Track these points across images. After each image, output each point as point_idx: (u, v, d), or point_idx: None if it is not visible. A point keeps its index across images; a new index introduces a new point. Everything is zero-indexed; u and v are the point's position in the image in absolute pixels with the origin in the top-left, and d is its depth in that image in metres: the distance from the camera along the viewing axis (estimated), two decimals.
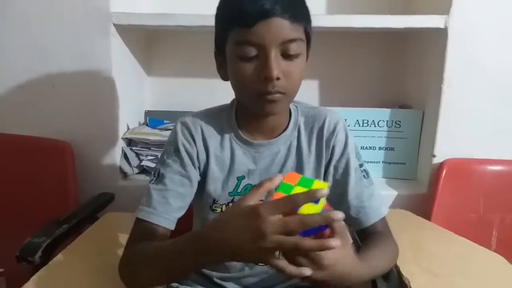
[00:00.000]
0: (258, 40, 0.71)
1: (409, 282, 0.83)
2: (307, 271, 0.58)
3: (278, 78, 0.73)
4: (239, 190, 0.87)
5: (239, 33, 0.73)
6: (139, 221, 0.80)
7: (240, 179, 0.87)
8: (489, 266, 0.94)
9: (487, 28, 1.30)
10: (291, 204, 0.57)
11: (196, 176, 0.85)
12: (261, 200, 0.61)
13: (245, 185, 0.87)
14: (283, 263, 0.58)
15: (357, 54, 1.68)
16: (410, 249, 0.96)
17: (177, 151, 0.84)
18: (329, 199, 0.89)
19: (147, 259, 0.73)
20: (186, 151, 0.84)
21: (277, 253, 0.58)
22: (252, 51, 0.73)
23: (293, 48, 0.73)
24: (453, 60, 1.31)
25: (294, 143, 0.88)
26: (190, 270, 0.72)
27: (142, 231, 0.79)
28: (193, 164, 0.85)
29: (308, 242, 0.56)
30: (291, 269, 0.58)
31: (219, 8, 0.80)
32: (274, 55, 0.72)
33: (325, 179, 0.89)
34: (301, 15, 0.75)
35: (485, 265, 0.94)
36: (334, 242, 0.56)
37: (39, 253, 0.94)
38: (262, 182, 0.62)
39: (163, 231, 0.80)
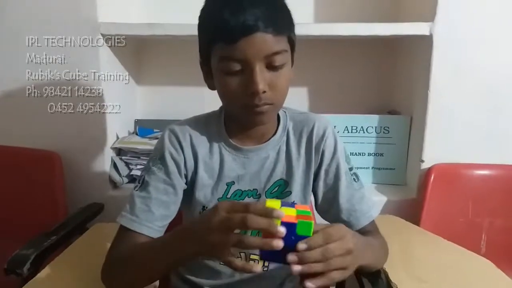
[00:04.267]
0: (242, 56, 0.72)
1: None
2: (256, 268, 0.61)
3: (264, 92, 0.73)
4: (228, 196, 0.87)
5: (223, 48, 0.73)
6: (122, 229, 0.80)
7: (229, 185, 0.87)
8: (478, 271, 0.94)
9: (471, 35, 1.32)
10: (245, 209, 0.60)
11: (181, 185, 0.85)
12: None
13: (235, 191, 0.87)
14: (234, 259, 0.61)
15: (345, 61, 1.69)
16: (399, 255, 0.96)
17: (162, 159, 0.84)
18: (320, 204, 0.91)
19: (129, 258, 0.75)
20: (173, 158, 0.84)
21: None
22: (237, 66, 0.73)
23: (278, 59, 0.74)
24: (438, 66, 1.33)
25: (283, 148, 0.89)
26: (171, 263, 0.73)
27: (126, 239, 0.79)
28: (179, 172, 0.84)
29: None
30: (238, 263, 0.61)
31: (202, 21, 0.80)
32: (259, 69, 0.72)
33: (315, 183, 0.89)
34: (284, 26, 0.75)
35: (474, 271, 0.94)
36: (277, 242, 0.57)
37: (27, 265, 0.94)
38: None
39: (145, 239, 0.80)
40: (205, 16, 0.79)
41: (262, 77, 0.73)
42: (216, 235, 0.61)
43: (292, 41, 0.78)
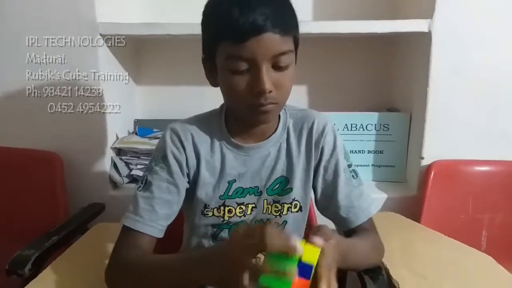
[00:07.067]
0: (249, 55, 0.71)
1: (398, 285, 0.83)
2: None
3: (270, 91, 0.74)
4: (230, 193, 0.87)
5: (230, 47, 0.72)
6: (126, 229, 0.80)
7: (231, 182, 0.87)
8: (478, 267, 0.94)
9: (470, 32, 1.32)
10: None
11: (183, 184, 0.85)
12: None
13: (236, 188, 0.87)
14: None
15: (344, 59, 1.69)
16: (399, 252, 0.97)
17: (164, 158, 0.84)
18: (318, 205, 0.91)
19: (136, 268, 0.74)
20: (175, 158, 0.84)
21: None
22: (243, 65, 0.73)
23: (284, 60, 0.74)
24: (437, 63, 1.33)
25: (284, 145, 0.89)
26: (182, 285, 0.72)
27: (129, 239, 0.79)
28: (181, 171, 0.85)
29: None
30: None
31: (207, 18, 0.78)
32: (266, 69, 0.72)
33: (315, 179, 0.90)
34: (290, 26, 0.75)
35: (474, 267, 0.95)
36: None
37: (29, 266, 0.94)
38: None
39: (149, 239, 0.80)
40: (211, 12, 0.78)
41: (268, 77, 0.73)
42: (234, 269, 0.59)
43: (297, 41, 0.78)
